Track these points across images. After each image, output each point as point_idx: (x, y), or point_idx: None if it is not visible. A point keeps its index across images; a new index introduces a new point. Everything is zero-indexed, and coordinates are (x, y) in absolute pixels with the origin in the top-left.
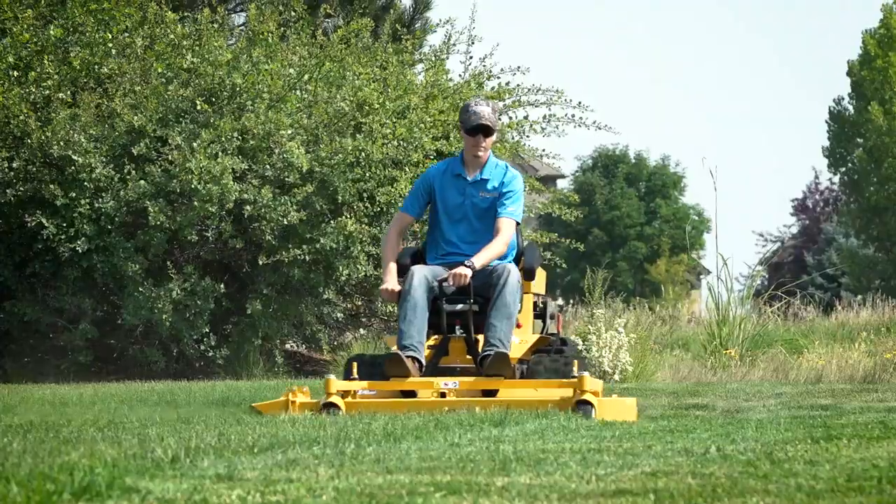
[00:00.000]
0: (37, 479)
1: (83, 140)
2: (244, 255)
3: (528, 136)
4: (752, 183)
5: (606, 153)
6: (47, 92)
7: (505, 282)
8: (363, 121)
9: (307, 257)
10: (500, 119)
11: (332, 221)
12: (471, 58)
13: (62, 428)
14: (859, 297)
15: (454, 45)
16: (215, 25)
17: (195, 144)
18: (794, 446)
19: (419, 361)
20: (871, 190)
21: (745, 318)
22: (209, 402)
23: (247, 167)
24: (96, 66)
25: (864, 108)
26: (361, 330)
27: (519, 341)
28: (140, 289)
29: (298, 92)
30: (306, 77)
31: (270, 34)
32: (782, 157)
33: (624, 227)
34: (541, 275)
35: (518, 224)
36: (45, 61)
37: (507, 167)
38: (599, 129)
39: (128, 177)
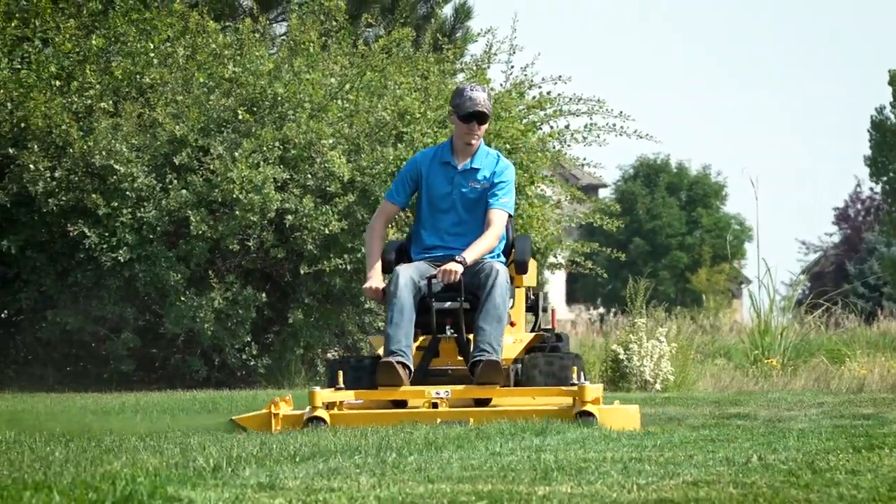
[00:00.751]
0: (79, 488)
1: (125, 150)
2: (286, 265)
3: (569, 146)
4: (793, 191)
5: (648, 162)
6: (89, 101)
7: (494, 283)
8: (404, 130)
9: (348, 266)
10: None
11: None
12: (512, 67)
13: (104, 437)
14: None
15: (495, 54)
16: (257, 35)
17: (237, 154)
18: (836, 456)
19: (408, 367)
20: None
21: (786, 327)
22: (250, 412)
23: (288, 177)
24: (138, 76)
25: None
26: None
27: (513, 341)
28: (182, 298)
29: (340, 101)
30: (347, 87)
31: (312, 44)
32: (825, 166)
33: (665, 236)
34: (532, 267)
35: (511, 217)
36: (87, 71)
37: (498, 156)
38: (641, 138)
39: (169, 186)
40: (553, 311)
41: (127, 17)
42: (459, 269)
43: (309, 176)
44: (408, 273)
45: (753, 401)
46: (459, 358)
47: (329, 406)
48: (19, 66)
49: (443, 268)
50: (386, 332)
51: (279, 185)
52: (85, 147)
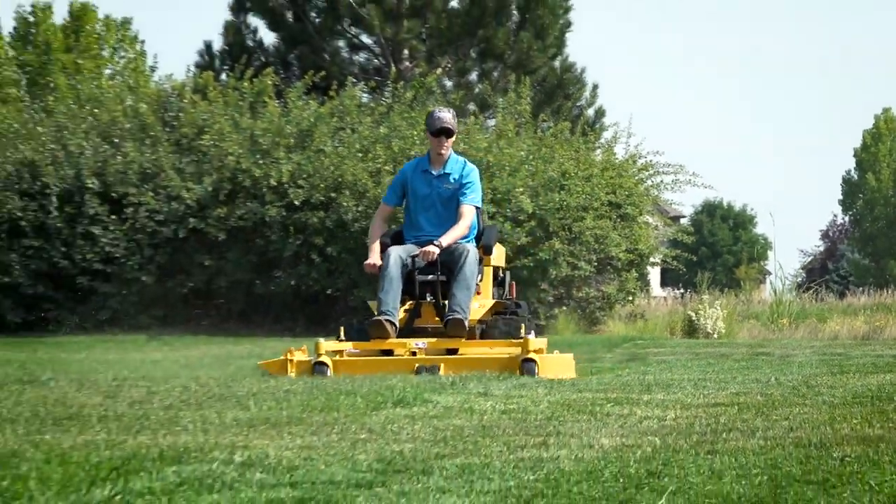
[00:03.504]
0: (372, 394)
1: None
2: None
3: (662, 192)
4: (796, 217)
5: (710, 202)
6: (378, 166)
7: (465, 260)
8: (564, 183)
9: (531, 264)
10: (458, 122)
11: (545, 243)
12: (628, 145)
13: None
14: (860, 289)
15: (618, 137)
16: (477, 126)
17: None
18: (821, 378)
19: (394, 324)
20: (867, 225)
21: (791, 301)
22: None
23: (495, 210)
24: (407, 150)
25: (864, 177)
26: (563, 307)
27: (479, 306)
28: None
29: (526, 166)
30: (531, 157)
31: (509, 131)
32: (814, 202)
33: (720, 246)
34: (500, 250)
35: (478, 209)
36: (377, 148)
37: (465, 162)
38: (705, 187)
39: None
40: (512, 284)
41: (400, 115)
42: (436, 250)
43: (508, 210)
44: (397, 252)
45: (772, 345)
46: (437, 319)
47: (335, 354)
48: (338, 145)
49: (423, 249)
50: (378, 298)
51: (490, 215)
52: (376, 192)
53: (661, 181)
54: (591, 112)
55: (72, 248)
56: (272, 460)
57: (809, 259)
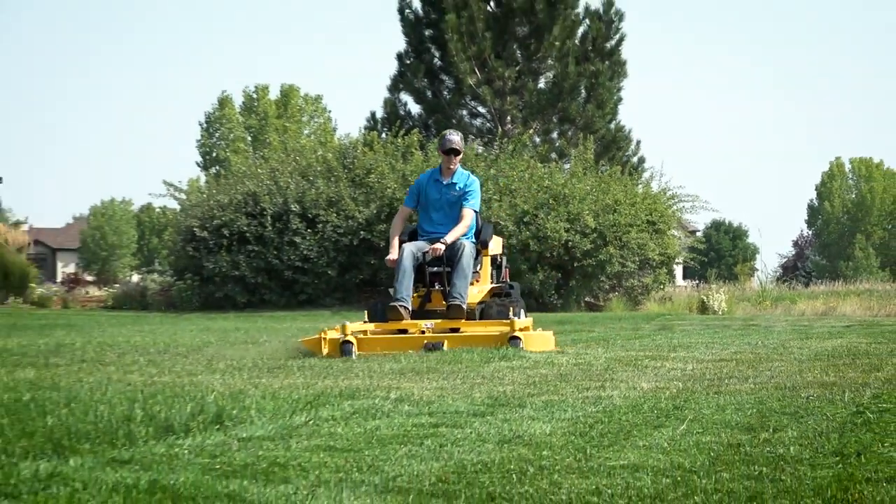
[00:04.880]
0: (484, 353)
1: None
2: (568, 263)
3: (683, 214)
4: (776, 231)
5: (716, 220)
6: (489, 195)
7: (462, 254)
8: (616, 207)
9: (594, 263)
10: (465, 143)
11: (603, 249)
12: (661, 181)
13: None
14: (820, 281)
15: (653, 176)
16: (558, 169)
17: (552, 216)
18: (792, 342)
19: (408, 308)
20: (824, 237)
21: (772, 289)
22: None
23: (569, 226)
24: (509, 184)
25: (822, 204)
26: (615, 293)
27: (477, 291)
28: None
29: (590, 196)
30: (594, 190)
31: (579, 172)
32: (789, 221)
33: (723, 251)
34: (497, 241)
35: (476, 212)
36: (488, 184)
37: (468, 174)
38: (714, 210)
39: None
40: (507, 269)
41: (504, 161)
42: (442, 247)
43: (578, 226)
44: (410, 248)
45: (758, 319)
46: (444, 303)
47: (362, 333)
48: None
49: (432, 246)
50: (395, 286)
51: (566, 229)
52: (487, 214)
53: (683, 206)
54: (635, 159)
55: (280, 251)
56: (416, 397)
57: (784, 260)
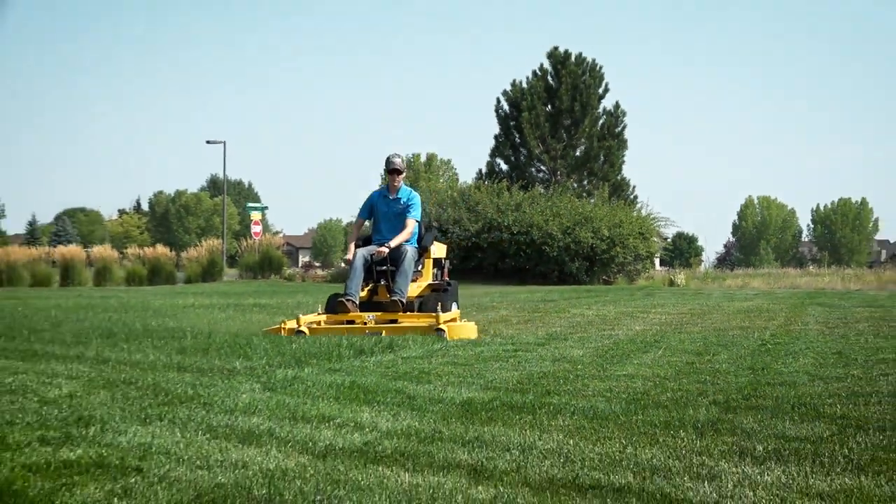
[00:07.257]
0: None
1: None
2: (592, 257)
3: (661, 228)
4: (716, 237)
5: (680, 231)
6: (546, 219)
7: (404, 258)
8: (621, 224)
9: (608, 257)
10: (405, 164)
11: (613, 248)
12: (649, 208)
13: None
14: (739, 268)
15: (644, 206)
16: (587, 202)
17: (583, 229)
18: (723, 303)
19: (354, 302)
20: (742, 242)
21: (712, 272)
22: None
23: (593, 235)
24: (558, 212)
25: (742, 222)
26: (620, 273)
27: (417, 286)
28: (575, 267)
29: (605, 218)
30: (608, 214)
31: (598, 204)
32: (723, 230)
33: (683, 250)
34: (440, 247)
35: (418, 221)
36: (547, 213)
37: (411, 190)
38: (678, 225)
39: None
40: (448, 270)
41: (556, 198)
42: (386, 250)
43: (598, 235)
44: (362, 252)
45: (705, 289)
46: (388, 296)
47: (315, 323)
48: (530, 210)
49: (378, 248)
50: (346, 283)
51: (591, 237)
52: (547, 229)
53: (660, 223)
54: (632, 197)
55: None
56: (505, 334)
57: (719, 255)
